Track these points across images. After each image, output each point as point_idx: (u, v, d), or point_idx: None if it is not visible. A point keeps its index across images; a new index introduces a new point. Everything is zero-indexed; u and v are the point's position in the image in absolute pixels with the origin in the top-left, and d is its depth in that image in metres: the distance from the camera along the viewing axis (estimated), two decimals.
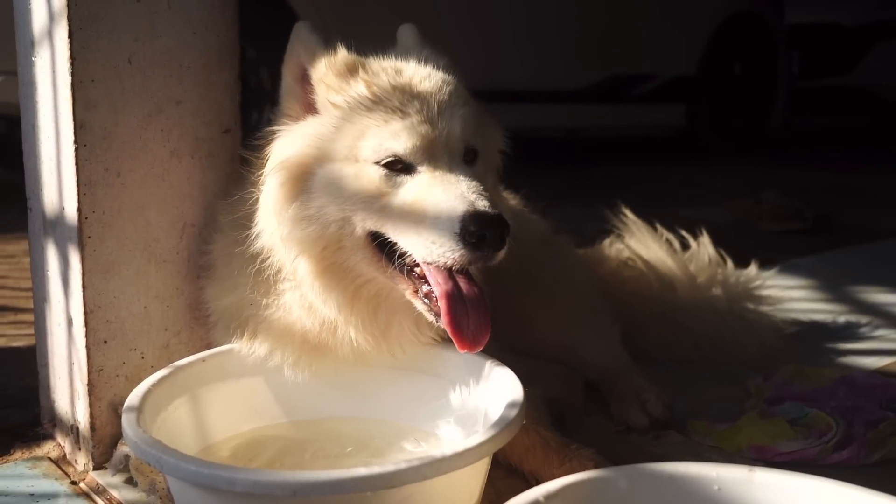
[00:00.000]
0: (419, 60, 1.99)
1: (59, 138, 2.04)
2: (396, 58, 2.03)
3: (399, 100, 1.82)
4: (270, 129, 1.97)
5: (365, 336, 1.93)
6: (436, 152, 1.80)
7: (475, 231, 1.67)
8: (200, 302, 2.18)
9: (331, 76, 1.89)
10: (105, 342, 2.08)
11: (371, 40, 2.06)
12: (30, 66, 2.12)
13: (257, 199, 1.93)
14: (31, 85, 2.13)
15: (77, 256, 2.03)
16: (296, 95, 1.95)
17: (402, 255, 1.79)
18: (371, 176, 1.79)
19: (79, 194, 2.00)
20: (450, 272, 1.78)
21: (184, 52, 2.12)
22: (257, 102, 6.59)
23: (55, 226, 2.10)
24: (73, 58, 1.96)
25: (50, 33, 2.01)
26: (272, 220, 1.88)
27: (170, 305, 2.17)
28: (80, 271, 2.03)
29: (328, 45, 1.95)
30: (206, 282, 2.14)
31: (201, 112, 2.17)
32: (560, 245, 2.81)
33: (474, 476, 1.72)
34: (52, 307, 2.18)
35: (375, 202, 1.79)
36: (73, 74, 1.96)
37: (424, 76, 1.91)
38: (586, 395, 2.53)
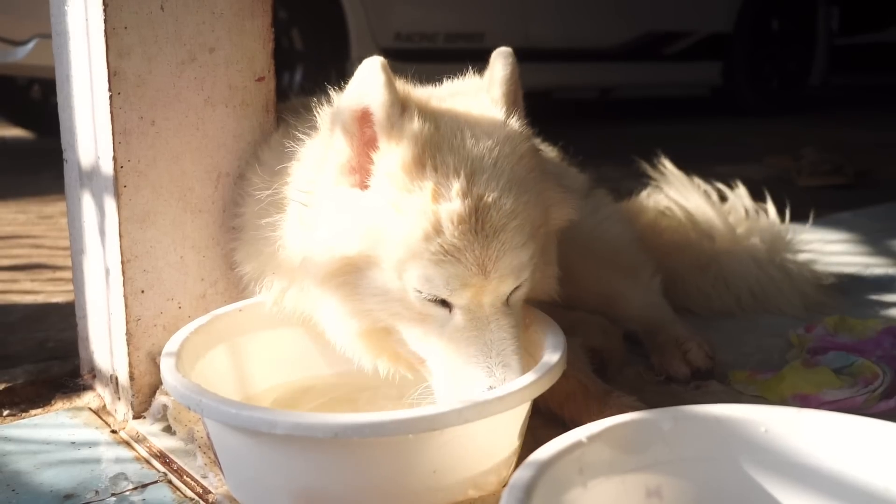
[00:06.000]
0: (501, 137, 1.77)
1: (93, 87, 2.03)
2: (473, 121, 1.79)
3: (459, 238, 1.65)
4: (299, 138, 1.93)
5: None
6: (480, 300, 1.71)
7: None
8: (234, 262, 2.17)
9: (398, 172, 1.69)
10: (142, 292, 2.07)
11: None
12: (63, 15, 2.10)
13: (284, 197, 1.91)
14: (64, 35, 2.11)
15: (113, 206, 2.02)
16: (350, 148, 1.76)
17: None
18: (412, 299, 1.71)
19: (114, 143, 1.99)
20: None
21: None
22: (289, 64, 6.57)
23: (91, 176, 2.10)
24: (105, 4, 1.94)
25: None
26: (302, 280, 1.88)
27: (206, 255, 2.16)
28: (117, 221, 2.02)
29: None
30: (236, 244, 2.12)
31: (234, 60, 2.14)
32: (598, 197, 2.77)
33: (515, 421, 1.70)
34: (89, 258, 2.18)
35: (417, 324, 1.74)
36: (106, 21, 1.94)
37: (493, 201, 1.68)
38: (626, 347, 2.50)
